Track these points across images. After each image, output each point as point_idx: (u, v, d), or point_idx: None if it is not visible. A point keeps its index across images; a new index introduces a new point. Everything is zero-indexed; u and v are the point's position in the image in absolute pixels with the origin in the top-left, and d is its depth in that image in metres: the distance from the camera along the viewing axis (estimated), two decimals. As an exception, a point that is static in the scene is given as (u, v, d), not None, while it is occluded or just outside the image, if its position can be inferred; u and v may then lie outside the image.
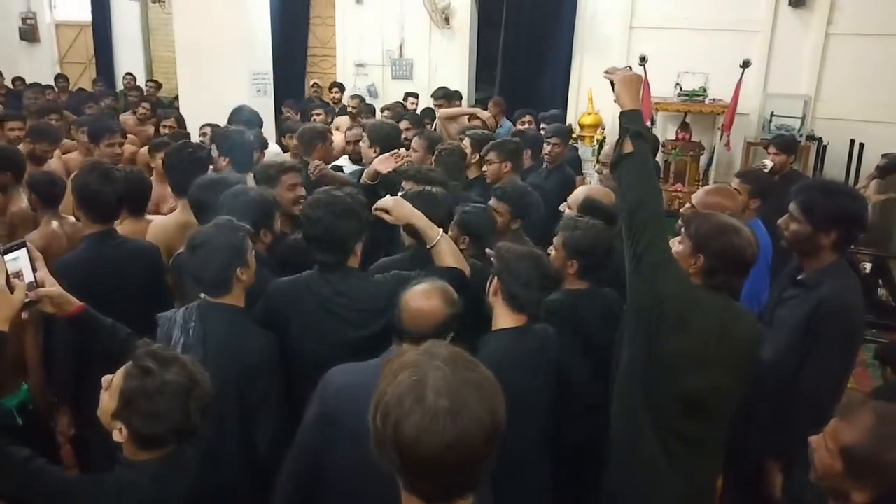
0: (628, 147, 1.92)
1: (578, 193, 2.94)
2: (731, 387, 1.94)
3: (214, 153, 3.63)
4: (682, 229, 2.02)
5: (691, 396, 1.89)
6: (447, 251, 2.30)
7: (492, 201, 3.04)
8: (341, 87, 8.09)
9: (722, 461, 2.10)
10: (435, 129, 5.91)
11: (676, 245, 2.00)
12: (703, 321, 1.88)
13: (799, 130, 6.69)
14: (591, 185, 3.19)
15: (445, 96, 6.59)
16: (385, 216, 2.37)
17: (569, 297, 2.40)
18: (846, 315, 2.22)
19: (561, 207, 2.99)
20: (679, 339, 1.86)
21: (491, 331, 2.12)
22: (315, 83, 8.73)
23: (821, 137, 6.74)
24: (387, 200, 2.41)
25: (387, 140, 3.87)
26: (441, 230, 2.34)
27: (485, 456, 1.06)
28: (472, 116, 5.61)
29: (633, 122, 1.94)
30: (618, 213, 2.10)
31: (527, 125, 5.65)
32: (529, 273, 2.07)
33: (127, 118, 6.25)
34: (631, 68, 2.09)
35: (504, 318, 2.10)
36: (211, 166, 3.42)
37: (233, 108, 4.65)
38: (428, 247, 2.31)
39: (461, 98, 6.96)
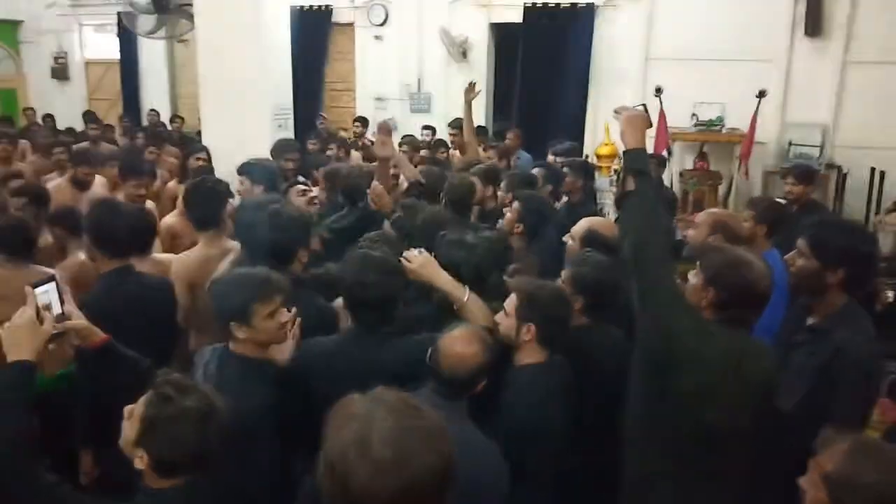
0: (630, 185, 1.94)
1: (582, 225, 2.94)
2: (752, 421, 1.91)
3: (245, 185, 3.77)
4: (697, 263, 2.02)
5: (711, 431, 1.87)
6: (475, 311, 2.25)
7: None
8: (364, 122, 8.20)
9: (745, 499, 2.05)
10: (447, 158, 6.02)
11: (692, 277, 2.01)
12: (717, 355, 1.86)
13: (818, 159, 6.67)
14: (595, 217, 3.22)
15: (459, 126, 6.55)
16: (408, 266, 2.31)
17: (573, 332, 2.41)
18: (865, 364, 2.15)
19: (565, 238, 2.99)
20: (694, 373, 1.84)
21: (517, 365, 2.15)
22: (321, 115, 8.83)
23: (840, 166, 6.71)
24: (414, 258, 2.33)
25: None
26: (467, 289, 2.28)
27: (440, 499, 1.07)
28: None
29: (636, 162, 1.97)
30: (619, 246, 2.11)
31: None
32: (565, 313, 2.15)
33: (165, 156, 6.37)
34: (645, 107, 2.14)
35: (531, 354, 2.14)
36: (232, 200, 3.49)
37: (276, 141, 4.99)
38: (455, 307, 2.27)
39: (486, 132, 7.01)
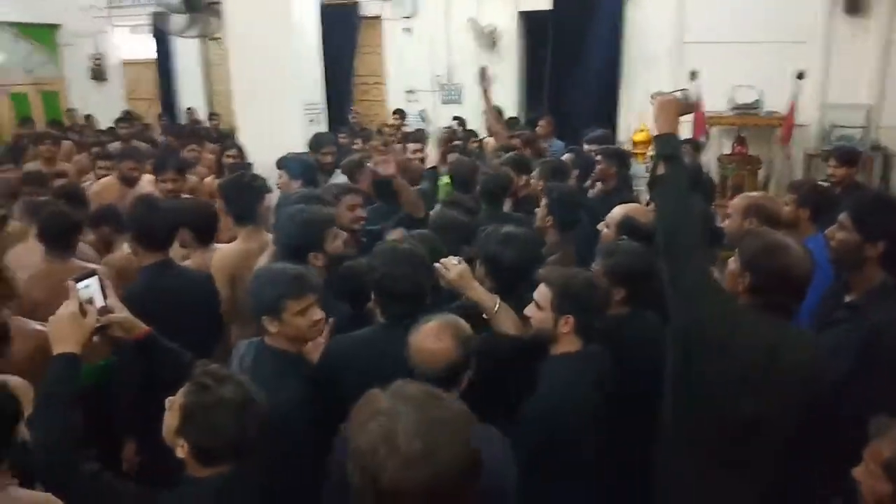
0: (661, 170, 1.93)
1: (617, 212, 2.91)
2: (785, 412, 1.87)
3: (284, 178, 3.82)
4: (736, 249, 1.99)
5: (740, 421, 1.84)
6: (505, 320, 2.25)
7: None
8: (402, 114, 8.21)
9: (782, 492, 2.01)
10: (480, 147, 6.01)
11: (731, 263, 1.98)
12: (746, 344, 1.82)
13: (862, 140, 6.47)
14: (631, 204, 3.16)
15: (499, 111, 6.49)
16: (444, 273, 2.30)
17: (613, 322, 2.37)
18: None
19: (599, 227, 2.96)
20: (721, 362, 1.82)
21: (552, 355, 2.13)
22: (352, 110, 8.89)
23: (885, 147, 6.50)
24: (453, 265, 2.32)
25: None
26: (497, 299, 2.27)
27: (468, 488, 1.08)
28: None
29: (667, 146, 1.95)
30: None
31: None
32: (601, 301, 2.13)
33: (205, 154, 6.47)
34: (686, 91, 2.11)
35: (567, 344, 2.12)
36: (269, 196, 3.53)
37: (313, 135, 5.06)
38: (485, 316, 2.27)
39: (518, 123, 6.97)
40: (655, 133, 2.00)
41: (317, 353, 2.23)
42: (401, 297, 2.18)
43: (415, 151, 5.23)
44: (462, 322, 1.85)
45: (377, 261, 2.23)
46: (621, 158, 4.60)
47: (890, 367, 2.09)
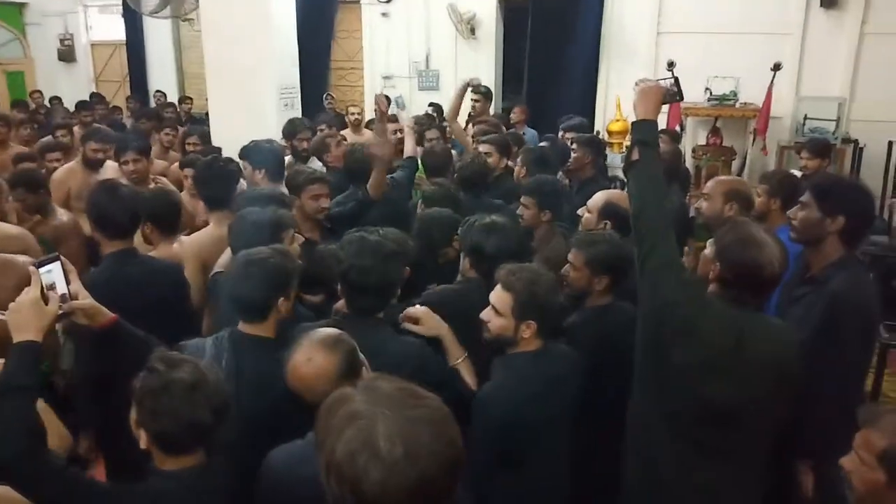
0: (635, 155, 1.96)
1: (599, 198, 2.90)
2: (760, 399, 1.87)
3: (247, 170, 3.70)
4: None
5: (710, 407, 1.86)
6: (465, 373, 2.19)
7: (521, 198, 3.08)
8: (387, 100, 8.07)
9: (764, 477, 2.02)
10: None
11: (708, 246, 2.02)
12: (712, 330, 1.84)
13: (834, 133, 6.55)
14: (612, 189, 3.17)
15: (485, 94, 6.23)
16: (413, 327, 2.21)
17: (593, 314, 2.37)
18: (860, 309, 2.22)
19: (579, 212, 2.95)
20: (687, 348, 1.84)
21: (507, 353, 2.10)
22: (328, 95, 8.75)
23: (857, 140, 6.59)
24: (417, 311, 2.24)
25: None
26: (465, 354, 2.20)
27: (450, 486, 1.04)
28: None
29: (643, 132, 1.98)
30: None
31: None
32: (560, 299, 2.09)
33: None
34: (677, 80, 2.14)
35: (526, 344, 2.08)
36: (243, 181, 3.46)
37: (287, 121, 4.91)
38: (450, 363, 2.20)
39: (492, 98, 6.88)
40: (634, 119, 2.01)
41: None
42: (368, 291, 2.11)
43: (395, 132, 5.14)
44: (338, 332, 1.73)
45: (344, 252, 2.16)
46: (597, 147, 4.58)
47: (850, 330, 2.19)
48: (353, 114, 6.68)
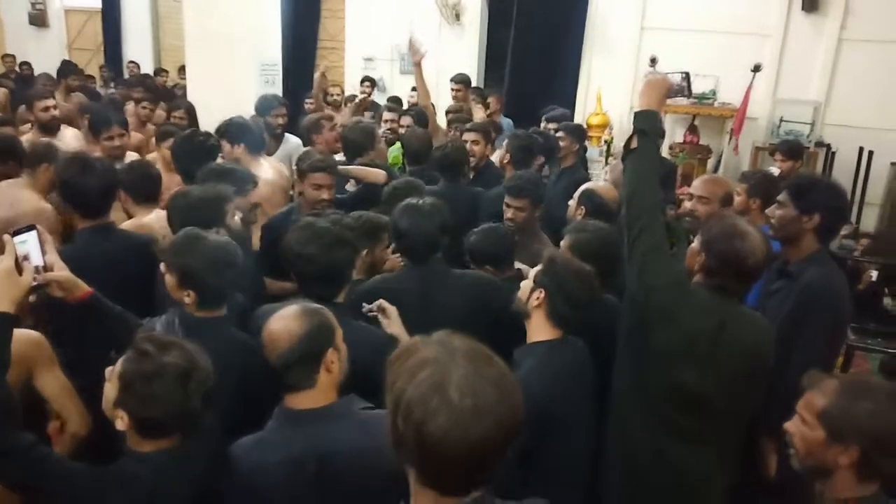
0: (633, 144, 2.02)
1: (582, 186, 2.97)
2: (734, 388, 1.94)
3: (226, 147, 3.60)
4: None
5: (683, 391, 1.92)
6: None
7: (508, 199, 3.03)
8: (373, 82, 8.01)
9: (736, 463, 2.09)
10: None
11: (696, 240, 2.07)
12: (692, 318, 1.91)
13: (808, 136, 6.67)
14: (607, 178, 3.21)
15: (464, 81, 6.31)
16: (381, 317, 2.19)
17: None
18: (830, 300, 2.32)
19: (570, 202, 2.99)
20: (666, 332, 1.91)
21: (526, 343, 2.08)
22: (322, 73, 8.62)
23: (829, 144, 6.71)
24: (390, 309, 2.20)
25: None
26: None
27: (503, 450, 1.07)
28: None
29: (642, 121, 2.03)
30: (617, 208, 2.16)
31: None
32: (580, 293, 2.03)
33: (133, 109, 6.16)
34: (688, 75, 2.18)
35: (542, 330, 2.06)
36: (221, 156, 3.40)
37: (259, 97, 4.72)
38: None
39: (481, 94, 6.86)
40: (638, 109, 2.06)
41: None
42: (312, 278, 2.09)
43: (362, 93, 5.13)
44: (314, 305, 1.74)
45: (291, 240, 2.13)
46: (582, 135, 4.66)
47: (818, 321, 2.28)
48: (332, 94, 6.59)
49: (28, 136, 4.36)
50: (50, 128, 4.27)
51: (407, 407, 1.03)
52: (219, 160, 3.38)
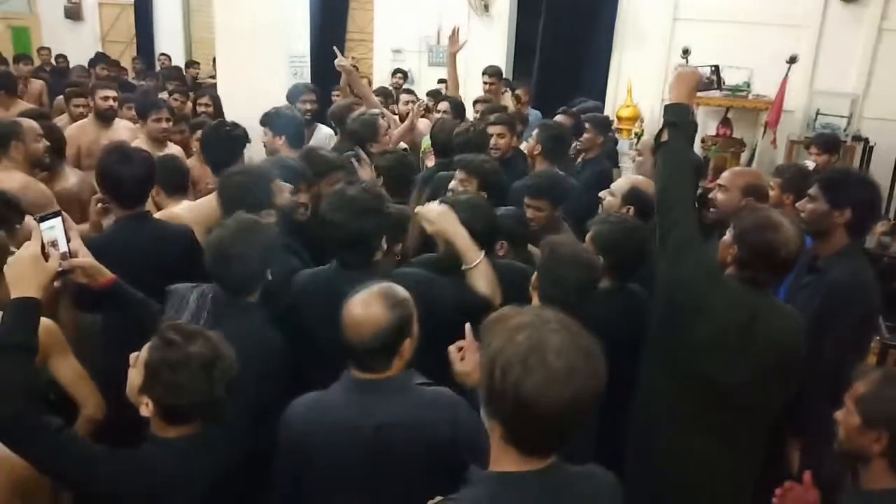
0: (664, 136, 2.02)
1: (623, 182, 2.88)
2: (765, 382, 1.92)
3: (268, 136, 3.67)
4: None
5: (714, 385, 1.91)
6: (482, 277, 2.16)
7: (526, 199, 2.99)
8: (405, 74, 7.99)
9: (761, 458, 2.07)
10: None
11: (728, 233, 2.05)
12: (725, 309, 1.89)
13: (845, 130, 6.49)
14: (634, 174, 3.13)
15: (496, 74, 6.16)
16: (426, 224, 2.24)
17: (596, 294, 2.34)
18: (859, 295, 2.29)
19: (602, 194, 2.93)
20: (698, 325, 1.89)
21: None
22: (354, 66, 8.66)
23: (867, 138, 6.52)
24: (431, 209, 2.26)
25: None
26: (483, 254, 2.18)
27: (587, 414, 1.15)
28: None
29: (673, 114, 2.03)
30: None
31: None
32: (568, 276, 2.00)
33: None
34: (718, 69, 2.26)
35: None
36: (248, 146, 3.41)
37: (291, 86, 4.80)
38: (463, 268, 2.19)
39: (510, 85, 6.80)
40: (668, 102, 2.06)
41: None
42: (342, 244, 2.14)
43: (407, 103, 5.11)
44: (396, 288, 1.74)
45: (324, 206, 2.20)
46: (607, 128, 4.63)
47: (846, 317, 2.26)
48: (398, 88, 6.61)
49: (80, 124, 4.50)
50: (107, 117, 4.41)
51: (505, 363, 1.10)
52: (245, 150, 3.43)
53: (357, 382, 1.70)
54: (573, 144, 4.36)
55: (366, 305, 1.68)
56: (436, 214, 2.22)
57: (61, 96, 5.68)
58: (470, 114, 5.08)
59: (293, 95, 4.64)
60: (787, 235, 1.89)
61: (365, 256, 2.16)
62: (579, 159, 4.47)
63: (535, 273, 2.08)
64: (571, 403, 1.09)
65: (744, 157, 6.78)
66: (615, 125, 7.38)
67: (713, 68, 2.18)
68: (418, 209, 2.28)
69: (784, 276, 2.05)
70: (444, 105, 4.84)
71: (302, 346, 2.11)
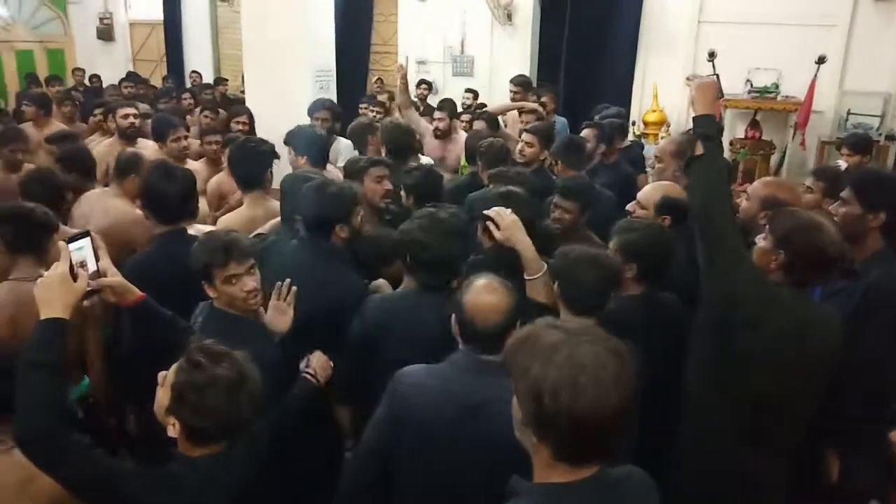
0: (699, 150, 1.97)
1: (652, 192, 2.80)
2: (809, 388, 1.92)
3: (291, 155, 3.69)
4: (766, 226, 2.03)
5: (766, 396, 1.89)
6: (542, 288, 2.20)
7: (558, 199, 2.99)
8: (429, 85, 8.01)
9: (792, 463, 2.04)
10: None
11: (760, 241, 2.02)
12: (779, 320, 1.87)
13: (878, 129, 6.36)
14: (662, 182, 3.06)
15: (522, 84, 6.15)
16: (493, 229, 2.26)
17: (622, 302, 2.32)
18: (894, 298, 2.23)
19: (629, 207, 2.87)
20: (754, 337, 1.86)
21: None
22: (379, 79, 8.75)
23: (901, 137, 6.39)
24: (504, 216, 2.26)
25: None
26: (545, 266, 2.22)
27: (632, 413, 1.16)
28: (523, 110, 5.49)
29: (704, 126, 2.00)
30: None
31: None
32: (586, 275, 2.03)
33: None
34: (718, 77, 2.15)
35: (567, 319, 2.05)
36: (276, 161, 3.46)
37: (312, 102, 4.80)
38: (526, 277, 2.22)
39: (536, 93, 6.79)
40: (694, 114, 2.04)
41: (278, 322, 2.22)
42: (427, 266, 2.18)
43: (440, 119, 5.10)
44: (500, 278, 1.84)
45: (412, 226, 2.23)
46: (624, 133, 4.84)
47: (882, 323, 2.21)
48: (379, 99, 6.66)
49: (107, 143, 4.57)
50: (129, 135, 4.43)
51: (553, 388, 1.11)
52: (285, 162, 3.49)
53: (483, 363, 1.75)
54: (597, 151, 4.34)
55: (493, 291, 1.77)
56: (509, 222, 2.26)
57: (92, 116, 5.81)
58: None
59: (312, 111, 4.67)
60: (830, 234, 1.90)
61: (447, 279, 2.21)
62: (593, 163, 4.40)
63: (555, 283, 2.10)
64: (621, 407, 1.11)
65: (774, 159, 6.67)
66: (641, 130, 7.34)
67: (715, 76, 2.15)
68: (491, 210, 2.29)
69: (830, 276, 2.04)
70: (479, 124, 4.96)
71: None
